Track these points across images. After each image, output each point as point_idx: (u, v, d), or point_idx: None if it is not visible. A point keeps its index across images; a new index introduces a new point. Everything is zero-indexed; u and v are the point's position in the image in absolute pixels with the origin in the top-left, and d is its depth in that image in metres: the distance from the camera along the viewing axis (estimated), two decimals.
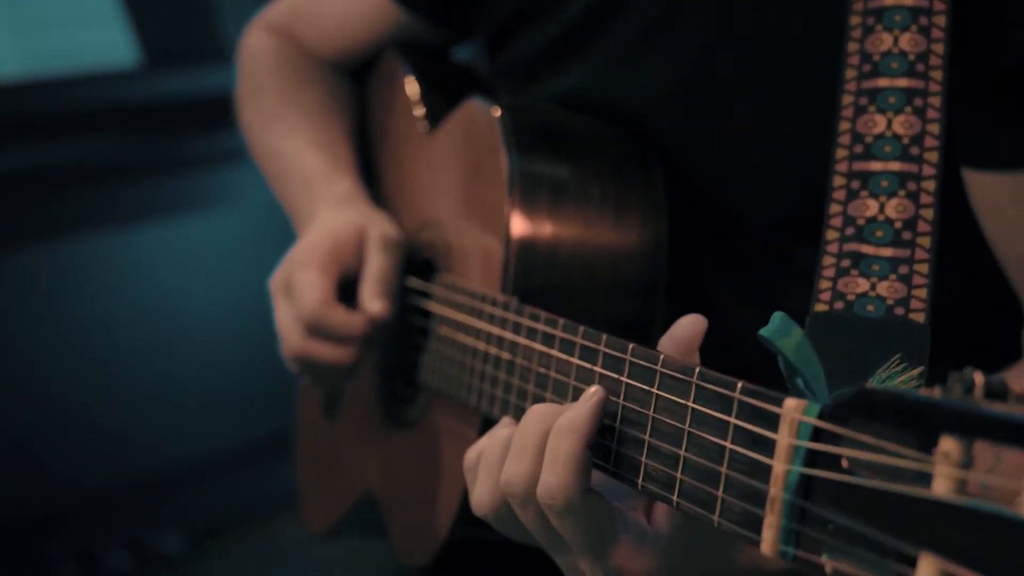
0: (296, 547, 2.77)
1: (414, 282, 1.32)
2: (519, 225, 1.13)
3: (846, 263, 0.97)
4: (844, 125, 1.00)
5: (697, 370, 0.82)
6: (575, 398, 0.94)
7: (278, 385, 2.07)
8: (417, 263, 1.34)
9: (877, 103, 0.99)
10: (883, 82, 0.99)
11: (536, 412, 0.92)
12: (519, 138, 1.15)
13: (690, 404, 0.82)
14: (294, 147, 1.47)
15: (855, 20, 1.01)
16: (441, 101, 1.36)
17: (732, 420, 0.78)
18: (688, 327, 0.91)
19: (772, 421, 0.74)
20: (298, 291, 1.29)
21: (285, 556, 2.77)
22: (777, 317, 0.85)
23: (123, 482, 2.77)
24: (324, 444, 1.59)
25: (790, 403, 0.74)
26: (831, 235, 0.98)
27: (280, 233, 1.56)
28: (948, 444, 0.59)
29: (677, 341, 0.90)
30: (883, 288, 0.95)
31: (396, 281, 1.31)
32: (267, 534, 2.88)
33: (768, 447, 0.75)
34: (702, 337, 0.91)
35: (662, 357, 0.86)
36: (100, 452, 2.74)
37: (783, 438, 0.73)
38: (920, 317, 0.93)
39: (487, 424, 1.09)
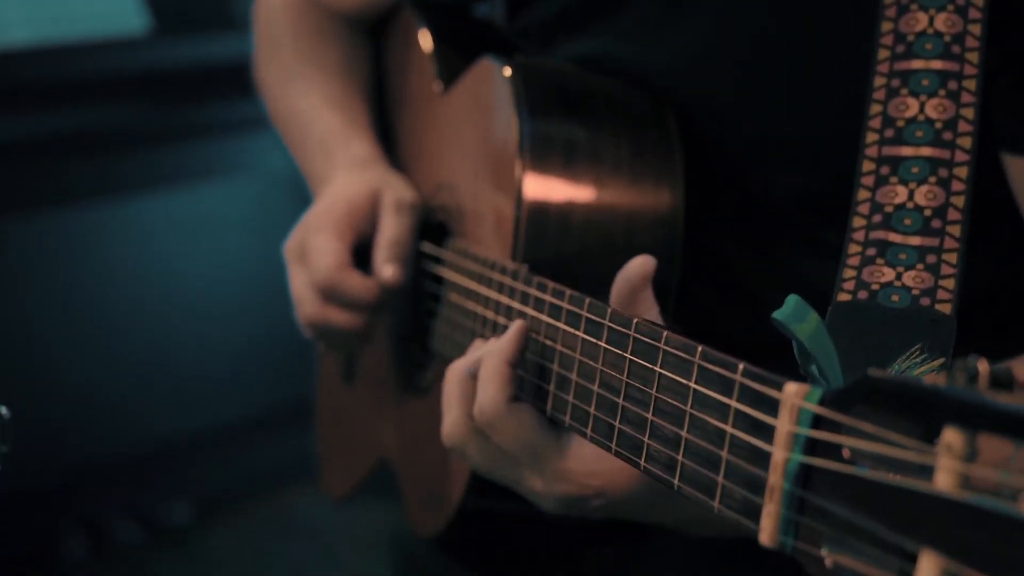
0: (305, 517, 2.77)
1: (427, 247, 1.30)
2: (531, 189, 1.10)
3: (872, 251, 0.94)
4: (875, 108, 0.97)
5: (699, 349, 0.80)
6: (580, 372, 0.92)
7: (288, 356, 2.06)
8: (433, 227, 1.31)
9: (910, 85, 0.96)
10: (917, 64, 0.96)
11: (452, 367, 1.02)
12: (531, 99, 1.13)
13: (692, 385, 0.80)
14: (312, 106, 1.45)
15: None
16: (457, 59, 1.33)
17: (733, 403, 0.75)
18: (639, 266, 0.97)
19: (773, 406, 0.72)
20: (313, 256, 1.27)
21: (294, 526, 2.78)
22: (792, 300, 0.82)
23: (131, 453, 2.78)
24: (342, 410, 1.57)
25: (790, 388, 0.71)
26: (857, 222, 0.96)
27: (292, 201, 1.55)
28: (951, 435, 0.57)
29: (625, 279, 0.96)
30: (909, 278, 0.92)
31: (410, 246, 1.28)
32: (275, 504, 2.89)
33: (768, 433, 0.72)
34: (650, 279, 0.97)
35: (665, 334, 0.83)
36: (109, 422, 2.75)
37: (783, 424, 0.70)
38: (946, 308, 0.91)
39: None
